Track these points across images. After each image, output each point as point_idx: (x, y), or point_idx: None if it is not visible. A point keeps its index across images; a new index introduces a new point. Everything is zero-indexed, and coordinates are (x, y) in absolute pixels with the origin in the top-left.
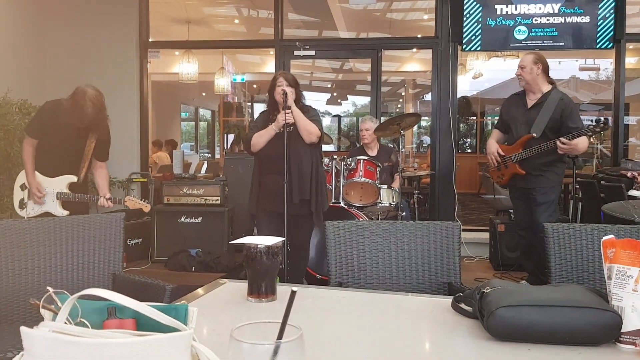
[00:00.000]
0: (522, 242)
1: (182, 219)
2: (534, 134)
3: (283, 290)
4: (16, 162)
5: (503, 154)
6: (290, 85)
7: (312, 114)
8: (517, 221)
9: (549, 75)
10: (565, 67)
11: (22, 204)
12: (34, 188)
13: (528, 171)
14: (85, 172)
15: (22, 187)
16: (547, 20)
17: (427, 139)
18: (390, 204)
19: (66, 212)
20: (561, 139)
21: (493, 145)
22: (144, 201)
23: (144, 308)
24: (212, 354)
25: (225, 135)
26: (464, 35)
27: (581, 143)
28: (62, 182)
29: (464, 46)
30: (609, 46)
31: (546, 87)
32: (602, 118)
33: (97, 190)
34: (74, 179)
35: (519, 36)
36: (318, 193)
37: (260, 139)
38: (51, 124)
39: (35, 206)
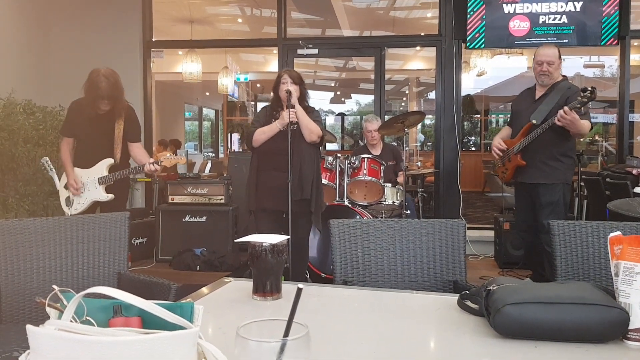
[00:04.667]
0: (525, 244)
1: (187, 218)
2: (534, 121)
3: (288, 288)
4: (21, 162)
5: (506, 147)
6: (295, 82)
7: (314, 116)
8: (518, 222)
9: None
10: (569, 65)
11: (68, 202)
12: (71, 180)
13: (530, 163)
14: (120, 153)
15: (66, 186)
16: (551, 17)
17: (421, 137)
18: (394, 202)
19: (111, 196)
20: (564, 107)
21: (495, 139)
22: (179, 156)
23: (150, 306)
24: (218, 351)
25: (229, 134)
26: (468, 33)
27: (582, 122)
28: (101, 168)
29: (468, 44)
30: (614, 43)
31: (558, 79)
32: (588, 87)
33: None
34: (111, 161)
35: (523, 33)
36: (318, 194)
37: (262, 135)
38: (78, 119)
39: (81, 200)
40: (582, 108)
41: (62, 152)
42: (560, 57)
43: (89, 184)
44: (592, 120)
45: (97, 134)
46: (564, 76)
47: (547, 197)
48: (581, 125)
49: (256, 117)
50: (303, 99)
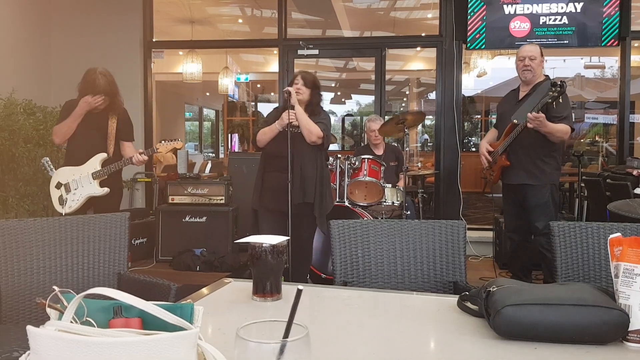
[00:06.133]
0: (512, 245)
1: (187, 219)
2: (515, 121)
3: (288, 289)
4: (21, 162)
5: (492, 149)
6: (306, 85)
7: (320, 117)
8: (506, 223)
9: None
10: (570, 65)
11: (61, 201)
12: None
13: (516, 165)
14: (112, 148)
15: (57, 185)
16: (552, 18)
17: (425, 137)
18: (394, 203)
19: (106, 189)
20: (532, 112)
21: (482, 145)
22: (175, 140)
23: (150, 307)
24: (218, 352)
25: (230, 134)
26: (469, 34)
27: (558, 125)
28: (94, 163)
29: (469, 44)
30: (614, 44)
31: (540, 79)
32: (558, 82)
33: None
34: (104, 155)
35: (524, 34)
36: (322, 196)
37: (264, 135)
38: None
39: (75, 197)
40: (555, 106)
41: (60, 127)
42: (542, 54)
43: (83, 180)
44: (593, 120)
45: (91, 130)
46: (546, 76)
47: (536, 199)
48: (552, 127)
49: (266, 117)
50: (317, 104)
